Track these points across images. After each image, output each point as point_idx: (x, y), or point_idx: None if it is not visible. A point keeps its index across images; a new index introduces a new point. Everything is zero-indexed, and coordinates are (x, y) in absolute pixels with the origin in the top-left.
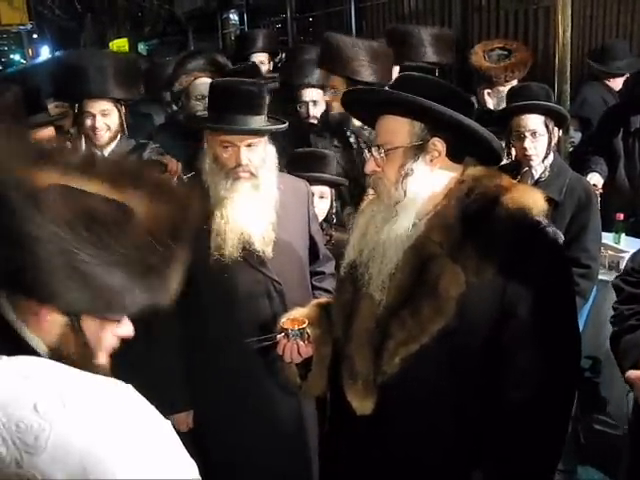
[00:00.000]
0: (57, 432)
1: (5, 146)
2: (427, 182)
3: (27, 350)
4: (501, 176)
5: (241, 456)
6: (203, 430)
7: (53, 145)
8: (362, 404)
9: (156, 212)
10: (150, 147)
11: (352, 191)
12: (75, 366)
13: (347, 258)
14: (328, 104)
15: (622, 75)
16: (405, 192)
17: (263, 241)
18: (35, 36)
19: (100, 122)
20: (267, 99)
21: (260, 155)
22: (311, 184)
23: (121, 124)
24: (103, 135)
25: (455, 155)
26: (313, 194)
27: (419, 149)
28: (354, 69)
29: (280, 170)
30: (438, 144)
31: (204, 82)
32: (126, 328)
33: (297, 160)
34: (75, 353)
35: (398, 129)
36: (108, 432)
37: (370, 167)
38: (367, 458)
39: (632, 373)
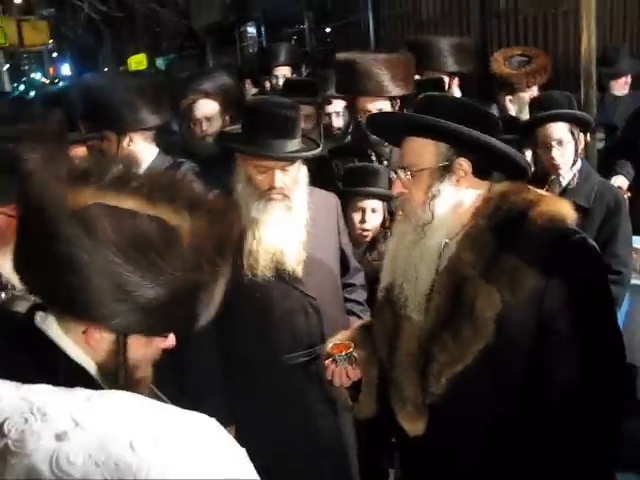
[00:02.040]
0: (155, 471)
1: (45, 168)
2: (454, 202)
3: (73, 368)
4: (528, 189)
5: (281, 471)
6: (243, 445)
7: (86, 163)
8: (414, 426)
9: (197, 227)
10: (185, 166)
11: None
12: (119, 380)
13: (382, 282)
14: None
15: (624, 75)
16: (433, 214)
17: (294, 261)
18: (55, 55)
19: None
20: (301, 120)
21: (293, 176)
22: (364, 198)
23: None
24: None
25: (481, 173)
26: (364, 209)
27: (445, 170)
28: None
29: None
30: (464, 164)
31: (202, 105)
32: (170, 340)
33: (350, 175)
34: (120, 368)
35: (423, 150)
36: (199, 468)
37: (397, 188)
38: (419, 473)
39: None
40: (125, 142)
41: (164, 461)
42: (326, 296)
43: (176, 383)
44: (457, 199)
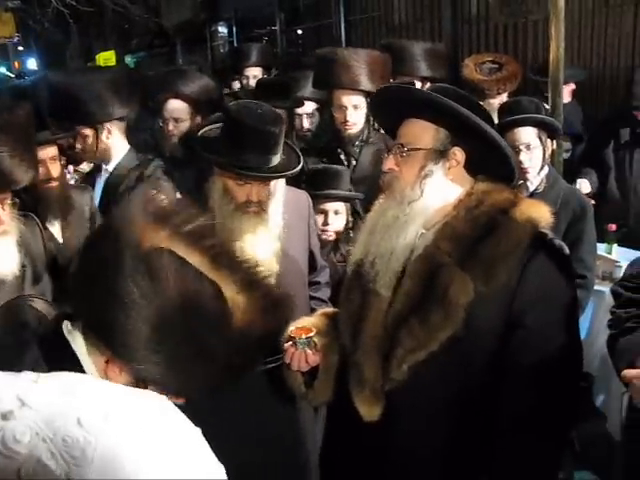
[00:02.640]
0: (103, 445)
1: (138, 204)
2: (441, 190)
3: None
4: (509, 190)
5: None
6: None
7: (171, 206)
8: (370, 410)
9: (249, 309)
10: (154, 164)
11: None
12: None
13: (354, 257)
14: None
15: (566, 83)
16: (422, 192)
17: (267, 272)
18: (21, 48)
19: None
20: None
21: (271, 189)
22: (326, 201)
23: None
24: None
25: (471, 167)
26: (326, 212)
27: (440, 155)
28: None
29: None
30: (458, 154)
31: (170, 105)
32: (181, 400)
33: (312, 177)
34: None
35: (423, 132)
36: (151, 442)
37: (388, 165)
38: (372, 463)
39: (628, 372)
40: (104, 135)
41: (113, 435)
42: (296, 301)
43: None
44: (443, 188)
